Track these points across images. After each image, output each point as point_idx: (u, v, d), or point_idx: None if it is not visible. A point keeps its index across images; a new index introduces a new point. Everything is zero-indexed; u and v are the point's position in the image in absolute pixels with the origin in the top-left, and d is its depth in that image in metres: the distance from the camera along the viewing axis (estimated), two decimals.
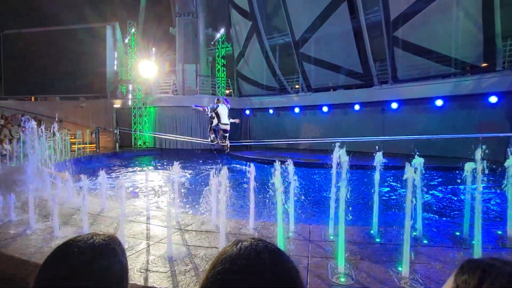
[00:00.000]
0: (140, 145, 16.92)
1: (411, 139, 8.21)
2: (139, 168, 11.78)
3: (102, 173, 4.71)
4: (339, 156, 3.02)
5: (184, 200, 6.22)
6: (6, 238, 3.49)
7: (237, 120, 8.97)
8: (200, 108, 8.92)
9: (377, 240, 3.44)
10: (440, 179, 8.68)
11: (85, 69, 18.93)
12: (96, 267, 0.71)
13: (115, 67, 20.01)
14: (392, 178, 8.32)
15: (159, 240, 3.48)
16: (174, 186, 4.12)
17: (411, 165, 2.74)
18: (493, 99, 10.71)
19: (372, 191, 3.84)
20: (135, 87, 17.02)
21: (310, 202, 6.30)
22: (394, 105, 13.13)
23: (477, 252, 2.74)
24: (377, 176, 3.80)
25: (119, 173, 10.48)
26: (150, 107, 17.02)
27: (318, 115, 15.74)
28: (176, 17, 17.94)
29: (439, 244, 3.28)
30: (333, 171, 3.31)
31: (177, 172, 4.05)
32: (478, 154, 2.93)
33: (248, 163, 5.55)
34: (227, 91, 18.93)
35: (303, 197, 5.19)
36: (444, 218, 5.51)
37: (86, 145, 15.11)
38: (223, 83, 18.29)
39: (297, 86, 16.47)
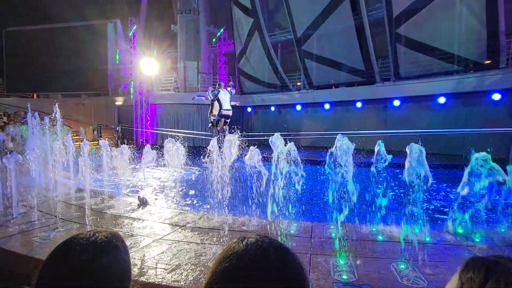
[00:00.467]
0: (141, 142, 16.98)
1: (416, 133, 8.13)
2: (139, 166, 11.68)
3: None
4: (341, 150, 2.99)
5: (187, 197, 6.23)
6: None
7: (238, 102, 8.92)
8: (203, 98, 8.88)
9: (379, 238, 3.44)
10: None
11: (86, 67, 18.98)
12: (97, 266, 0.70)
13: (117, 64, 20.02)
14: (392, 176, 8.23)
15: (161, 237, 3.50)
16: (176, 183, 4.13)
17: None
18: (496, 97, 10.64)
19: (378, 190, 3.80)
20: (136, 84, 17.04)
21: (312, 199, 6.29)
22: (397, 103, 13.07)
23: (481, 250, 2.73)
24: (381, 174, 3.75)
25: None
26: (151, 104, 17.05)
27: (319, 112, 15.69)
28: (178, 14, 17.92)
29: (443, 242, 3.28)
30: (340, 170, 3.27)
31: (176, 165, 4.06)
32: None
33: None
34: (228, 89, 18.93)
35: (301, 193, 5.18)
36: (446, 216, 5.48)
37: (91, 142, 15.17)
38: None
39: (298, 84, 16.40)
